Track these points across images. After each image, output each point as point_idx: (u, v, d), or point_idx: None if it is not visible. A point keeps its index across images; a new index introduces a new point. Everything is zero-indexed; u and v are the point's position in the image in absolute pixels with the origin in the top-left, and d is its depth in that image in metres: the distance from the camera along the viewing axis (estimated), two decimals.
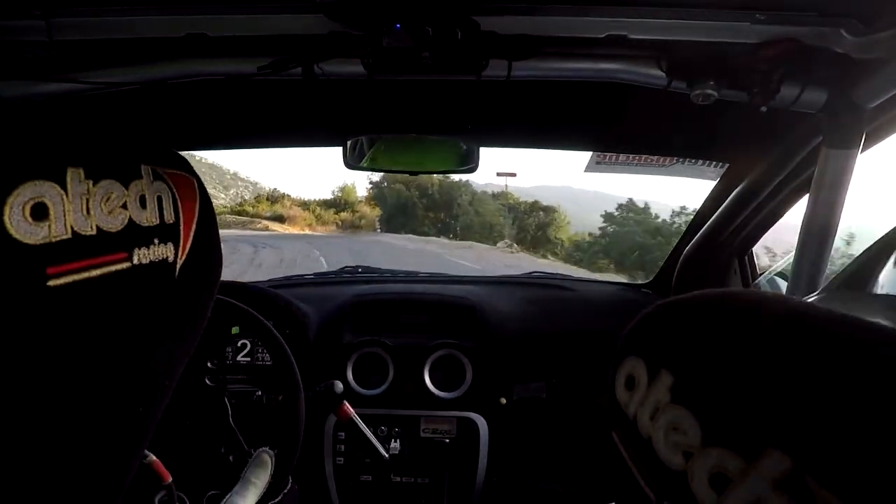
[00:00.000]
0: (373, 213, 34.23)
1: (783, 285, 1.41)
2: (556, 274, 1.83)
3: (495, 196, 33.52)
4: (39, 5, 0.69)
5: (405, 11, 0.71)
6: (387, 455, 1.15)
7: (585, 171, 1.30)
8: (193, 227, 0.39)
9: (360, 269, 1.82)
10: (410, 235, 27.52)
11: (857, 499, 0.18)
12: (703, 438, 0.23)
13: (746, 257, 1.44)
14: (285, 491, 0.83)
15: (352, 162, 1.18)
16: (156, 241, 0.36)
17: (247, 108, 1.14)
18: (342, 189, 38.02)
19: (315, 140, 1.34)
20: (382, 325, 1.41)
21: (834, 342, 0.22)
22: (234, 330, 1.23)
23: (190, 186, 0.40)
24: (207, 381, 1.03)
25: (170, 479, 0.78)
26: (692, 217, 1.49)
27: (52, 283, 0.29)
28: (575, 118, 1.18)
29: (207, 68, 0.82)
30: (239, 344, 1.29)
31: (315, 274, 1.85)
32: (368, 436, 1.13)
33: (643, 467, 0.26)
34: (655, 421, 0.26)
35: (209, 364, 1.11)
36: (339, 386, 1.09)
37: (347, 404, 1.11)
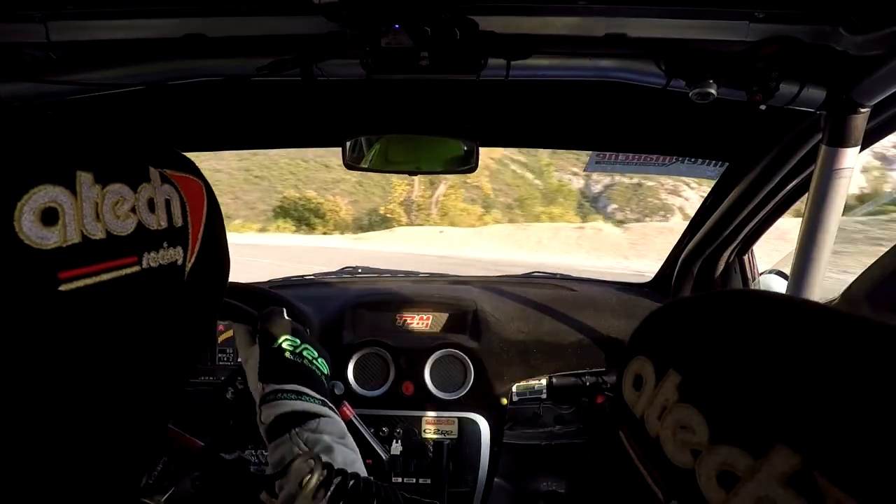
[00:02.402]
0: None
1: (783, 283, 1.41)
2: (557, 273, 1.82)
3: None
4: (37, 7, 0.69)
5: (404, 11, 0.71)
6: (387, 456, 1.15)
7: (585, 170, 1.31)
8: (202, 229, 0.39)
9: (359, 269, 1.82)
10: None
11: (866, 495, 0.18)
12: (711, 436, 0.23)
13: (746, 256, 1.44)
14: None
15: (351, 162, 1.18)
16: (165, 244, 0.36)
17: (246, 109, 1.14)
18: None
19: (314, 140, 1.33)
20: (383, 325, 1.40)
21: (840, 340, 0.22)
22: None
23: (197, 189, 0.40)
24: (206, 382, 1.02)
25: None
26: None
27: (63, 287, 0.29)
28: (574, 118, 1.18)
29: (206, 69, 0.81)
30: None
31: (315, 274, 1.85)
32: (368, 437, 1.13)
33: (651, 466, 0.26)
34: (663, 420, 0.26)
35: (210, 364, 1.11)
36: (340, 387, 1.09)
37: (348, 405, 1.10)
